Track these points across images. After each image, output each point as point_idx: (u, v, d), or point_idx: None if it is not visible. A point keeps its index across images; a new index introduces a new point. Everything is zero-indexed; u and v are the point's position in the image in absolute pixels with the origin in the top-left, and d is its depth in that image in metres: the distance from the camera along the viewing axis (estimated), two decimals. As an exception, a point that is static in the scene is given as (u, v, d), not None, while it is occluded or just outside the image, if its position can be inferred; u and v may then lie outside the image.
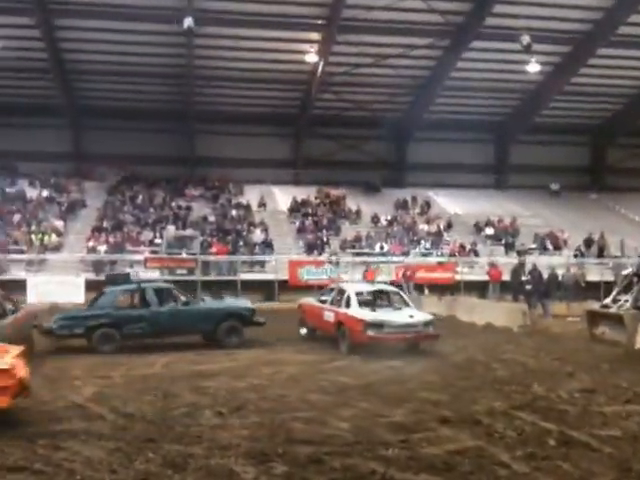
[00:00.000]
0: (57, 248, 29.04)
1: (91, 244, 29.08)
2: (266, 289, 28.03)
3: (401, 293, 17.44)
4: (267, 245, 30.59)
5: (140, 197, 34.00)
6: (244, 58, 32.55)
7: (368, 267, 28.29)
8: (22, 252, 28.23)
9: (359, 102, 36.22)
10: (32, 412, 9.82)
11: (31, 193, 33.37)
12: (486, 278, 29.09)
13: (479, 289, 29.07)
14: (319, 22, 30.71)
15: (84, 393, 11.12)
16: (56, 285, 25.24)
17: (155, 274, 26.59)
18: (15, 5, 27.73)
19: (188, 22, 27.64)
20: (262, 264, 29.65)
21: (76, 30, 29.92)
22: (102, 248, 28.82)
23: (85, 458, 7.89)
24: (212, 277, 27.96)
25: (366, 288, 17.70)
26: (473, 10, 30.68)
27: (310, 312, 17.85)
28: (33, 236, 29.23)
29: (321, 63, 32.41)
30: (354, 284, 19.70)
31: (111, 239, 29.43)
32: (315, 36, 31.58)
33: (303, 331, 18.11)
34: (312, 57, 32.22)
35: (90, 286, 23.62)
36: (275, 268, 28.93)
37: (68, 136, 35.58)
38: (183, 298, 16.63)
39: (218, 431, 8.75)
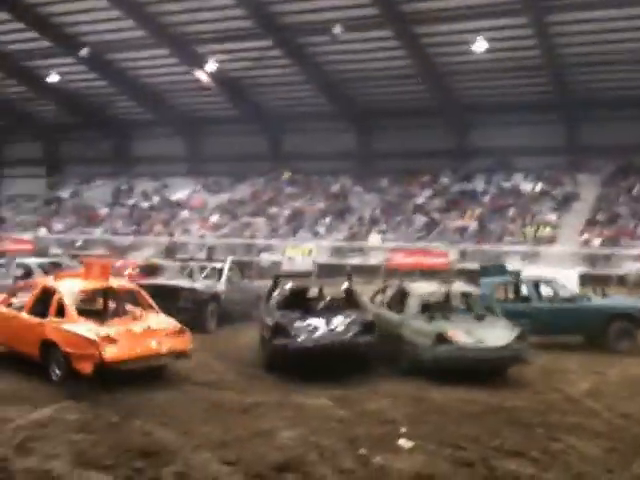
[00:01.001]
0: (551, 241, 29.37)
1: (585, 237, 28.77)
2: None
3: None
4: None
5: (636, 188, 32.39)
6: None
7: None
8: (517, 244, 29.12)
9: None
10: (527, 401, 10.21)
11: (525, 187, 34.27)
12: None
13: None
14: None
15: (579, 388, 11.07)
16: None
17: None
18: (509, 7, 28.80)
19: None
20: None
21: (569, 24, 29.72)
22: (596, 241, 28.30)
23: (580, 453, 7.92)
24: None
25: None
26: None
27: None
28: (527, 229, 30.11)
29: None
30: None
31: (605, 232, 28.69)
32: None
33: None
34: None
35: (584, 280, 23.22)
36: None
37: (561, 130, 35.49)
38: (566, 294, 15.13)
39: None
